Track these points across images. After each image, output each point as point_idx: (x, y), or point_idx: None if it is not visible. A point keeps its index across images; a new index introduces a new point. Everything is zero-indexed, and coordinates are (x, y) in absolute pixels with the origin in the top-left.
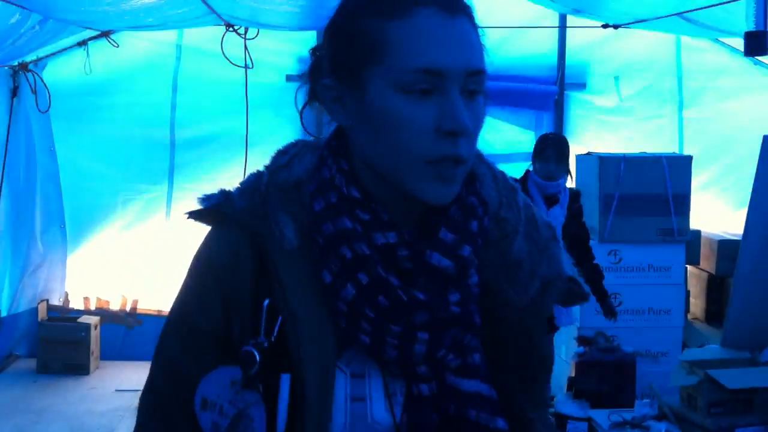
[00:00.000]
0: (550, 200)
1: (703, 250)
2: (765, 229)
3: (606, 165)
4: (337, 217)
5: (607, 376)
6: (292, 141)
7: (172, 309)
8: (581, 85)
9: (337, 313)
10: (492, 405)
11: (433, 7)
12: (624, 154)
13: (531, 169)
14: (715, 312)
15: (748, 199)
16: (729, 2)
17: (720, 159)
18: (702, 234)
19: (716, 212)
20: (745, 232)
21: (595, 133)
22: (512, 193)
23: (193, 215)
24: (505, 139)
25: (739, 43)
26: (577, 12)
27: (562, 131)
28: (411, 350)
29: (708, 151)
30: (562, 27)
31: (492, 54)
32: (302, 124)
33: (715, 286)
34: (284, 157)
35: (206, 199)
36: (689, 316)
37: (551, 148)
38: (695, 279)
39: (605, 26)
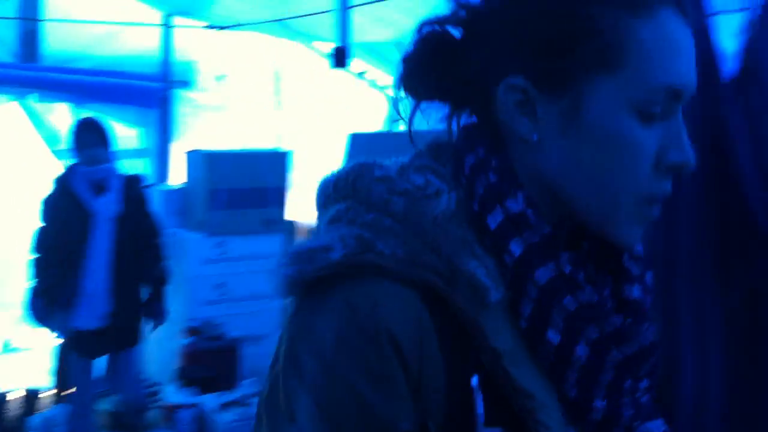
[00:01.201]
0: (100, 187)
1: (300, 238)
2: None
3: (212, 161)
4: (548, 262)
5: (213, 363)
6: (385, 161)
7: (322, 421)
8: (186, 83)
9: (566, 381)
10: None
11: (673, 8)
12: (229, 150)
13: (73, 162)
14: None
15: None
16: (316, 14)
17: (315, 154)
18: (298, 223)
19: (312, 203)
20: None
21: (202, 129)
22: None
23: (328, 274)
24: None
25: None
26: (181, 13)
27: (168, 128)
28: (640, 405)
29: (304, 148)
30: (167, 26)
31: (96, 50)
32: (410, 135)
33: None
34: (424, 184)
35: (324, 250)
36: None
37: (90, 133)
38: None
39: (209, 28)
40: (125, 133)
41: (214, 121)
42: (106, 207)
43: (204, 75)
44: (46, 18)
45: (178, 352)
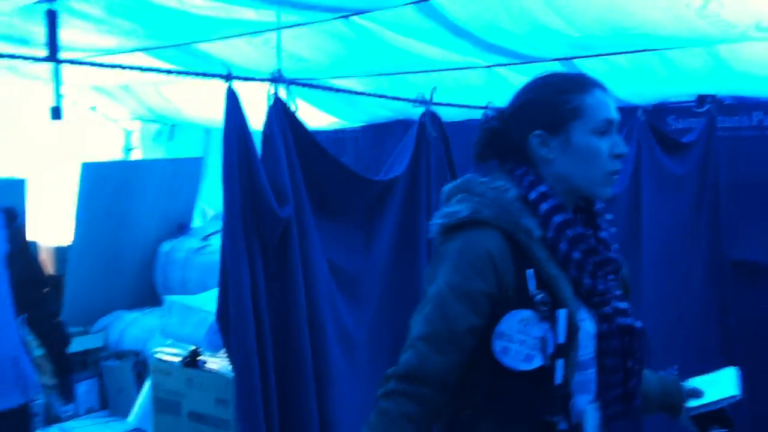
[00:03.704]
0: None
1: (45, 256)
2: (87, 237)
3: None
4: (558, 213)
5: None
6: (478, 178)
7: (449, 284)
8: None
9: (569, 268)
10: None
11: (601, 88)
12: None
13: None
14: None
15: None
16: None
17: (51, 182)
18: (41, 244)
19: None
20: (74, 240)
21: None
22: None
23: (459, 223)
24: None
25: None
26: None
27: None
28: (611, 286)
29: (41, 175)
30: None
31: None
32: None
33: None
34: (500, 186)
35: (457, 212)
36: None
37: None
38: None
39: None
40: None
41: None
42: None
43: None
44: None
45: None
